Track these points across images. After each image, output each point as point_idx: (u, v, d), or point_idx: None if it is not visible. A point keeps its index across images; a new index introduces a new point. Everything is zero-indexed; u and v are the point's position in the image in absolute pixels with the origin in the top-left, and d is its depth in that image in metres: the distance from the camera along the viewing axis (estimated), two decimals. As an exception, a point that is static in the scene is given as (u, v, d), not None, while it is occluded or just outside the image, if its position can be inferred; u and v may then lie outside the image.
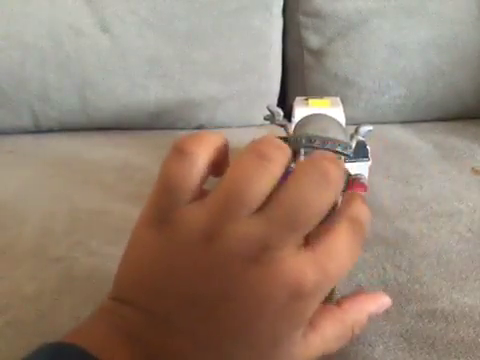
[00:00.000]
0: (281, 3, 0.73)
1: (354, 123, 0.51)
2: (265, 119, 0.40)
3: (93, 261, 0.37)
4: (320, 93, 0.63)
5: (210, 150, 0.23)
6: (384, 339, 0.30)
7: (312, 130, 0.34)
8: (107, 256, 0.37)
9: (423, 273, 0.36)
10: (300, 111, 0.45)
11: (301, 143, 0.33)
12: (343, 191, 0.33)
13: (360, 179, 0.34)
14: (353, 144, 0.35)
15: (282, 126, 0.38)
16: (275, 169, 0.21)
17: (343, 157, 0.33)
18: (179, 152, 0.22)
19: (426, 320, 0.31)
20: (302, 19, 0.73)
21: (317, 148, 0.33)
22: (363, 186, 0.34)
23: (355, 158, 0.41)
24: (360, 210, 0.24)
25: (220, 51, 0.70)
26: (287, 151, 0.22)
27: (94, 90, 0.68)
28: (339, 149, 0.33)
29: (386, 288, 0.34)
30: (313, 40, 0.73)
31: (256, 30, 0.71)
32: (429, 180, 0.51)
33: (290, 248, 0.21)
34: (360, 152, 0.42)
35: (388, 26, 0.70)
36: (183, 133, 0.25)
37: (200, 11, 0.68)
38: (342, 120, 0.49)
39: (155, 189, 0.23)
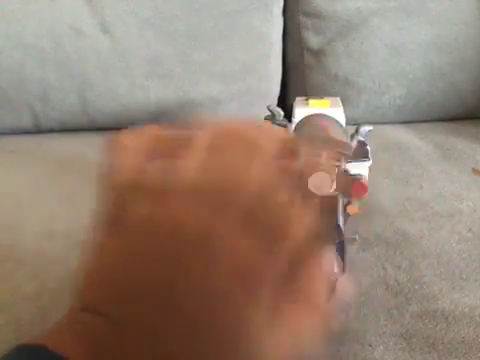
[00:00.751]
0: (281, 3, 0.73)
1: (354, 123, 0.51)
2: (266, 119, 0.40)
3: (93, 261, 0.37)
4: (320, 93, 0.63)
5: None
6: (384, 339, 0.30)
7: (312, 130, 0.34)
8: (107, 256, 0.37)
9: (423, 273, 0.36)
10: (300, 111, 0.45)
11: (302, 144, 0.33)
12: (344, 192, 0.33)
13: (360, 179, 0.33)
14: (353, 144, 0.35)
15: (283, 126, 0.38)
16: (199, 147, 0.22)
17: (343, 157, 0.33)
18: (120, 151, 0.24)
19: (426, 320, 0.31)
20: (302, 19, 0.73)
21: (318, 148, 0.33)
22: (363, 186, 0.33)
23: (355, 159, 0.41)
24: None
25: (220, 51, 0.70)
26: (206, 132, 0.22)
27: (94, 90, 0.68)
28: (340, 149, 0.33)
29: (386, 288, 0.34)
30: (313, 40, 0.73)
31: (256, 30, 0.71)
32: (429, 180, 0.51)
33: (231, 229, 0.21)
34: (360, 152, 0.42)
35: (388, 26, 0.70)
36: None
37: (200, 11, 0.68)
38: (342, 120, 0.49)
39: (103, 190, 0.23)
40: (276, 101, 0.76)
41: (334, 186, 0.30)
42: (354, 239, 0.35)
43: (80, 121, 0.71)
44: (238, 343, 0.21)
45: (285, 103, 0.76)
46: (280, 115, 0.39)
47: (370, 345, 0.29)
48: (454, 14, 0.70)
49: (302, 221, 0.22)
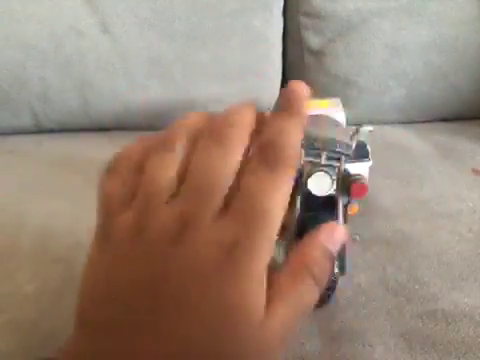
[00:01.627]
0: (281, 3, 0.73)
1: (354, 123, 0.51)
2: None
3: (93, 261, 0.37)
4: (320, 93, 0.63)
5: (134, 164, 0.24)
6: (384, 339, 0.30)
7: (313, 131, 0.34)
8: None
9: (423, 273, 0.36)
10: None
11: (302, 144, 0.33)
12: (343, 192, 0.33)
13: (360, 180, 0.33)
14: (354, 144, 0.35)
15: None
16: (175, 153, 0.23)
17: (344, 157, 0.33)
18: (110, 172, 0.25)
19: (426, 320, 0.31)
20: (302, 19, 0.73)
21: (318, 149, 0.33)
22: (363, 187, 0.33)
23: (356, 159, 0.41)
24: (274, 136, 0.22)
25: (220, 51, 0.70)
26: (181, 134, 0.23)
27: (94, 90, 0.68)
28: (340, 149, 0.33)
29: (386, 288, 0.34)
30: (313, 40, 0.73)
31: (256, 30, 0.71)
32: (429, 180, 0.51)
33: (209, 215, 0.21)
34: (360, 153, 0.42)
35: (388, 26, 0.70)
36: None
37: (200, 11, 0.68)
38: (342, 121, 0.49)
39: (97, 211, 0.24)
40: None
41: (334, 186, 0.30)
42: (354, 239, 0.35)
43: (80, 121, 0.71)
44: (231, 327, 0.21)
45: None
46: None
47: (370, 345, 0.29)
48: (454, 14, 0.70)
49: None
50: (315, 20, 0.71)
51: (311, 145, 0.32)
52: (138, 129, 0.71)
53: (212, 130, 0.22)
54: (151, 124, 0.72)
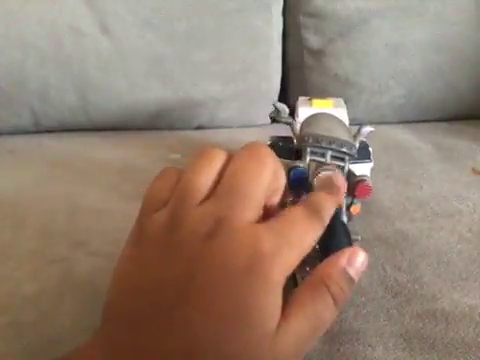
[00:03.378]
0: (281, 3, 0.73)
1: (354, 123, 0.51)
2: (270, 116, 0.39)
3: (93, 261, 0.37)
4: (321, 93, 0.63)
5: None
6: (384, 339, 0.30)
7: (318, 129, 0.34)
8: (107, 256, 0.37)
9: (423, 273, 0.36)
10: (304, 111, 0.45)
11: (308, 142, 0.33)
12: (348, 193, 0.33)
13: (365, 181, 0.33)
14: (357, 145, 0.35)
15: (288, 124, 0.38)
16: (214, 163, 0.25)
17: (348, 157, 0.33)
18: (157, 177, 0.27)
19: (426, 320, 0.31)
20: (302, 19, 0.73)
21: (323, 147, 0.33)
22: (368, 188, 0.33)
23: (358, 159, 0.41)
24: (319, 198, 0.26)
25: (220, 51, 0.70)
26: (222, 153, 0.26)
27: (94, 90, 0.68)
28: (344, 149, 0.33)
29: (386, 288, 0.34)
30: (313, 40, 0.73)
31: (256, 30, 0.71)
32: (429, 180, 0.51)
33: (244, 219, 0.23)
34: (363, 153, 0.42)
35: (388, 26, 0.70)
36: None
37: (200, 11, 0.68)
38: (346, 121, 0.49)
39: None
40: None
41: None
42: (356, 239, 0.35)
43: (80, 121, 0.71)
44: (247, 330, 0.21)
45: (285, 103, 0.76)
46: (285, 112, 0.39)
47: (370, 345, 0.29)
48: (454, 14, 0.70)
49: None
50: (315, 20, 0.71)
51: (316, 145, 0.32)
52: (138, 129, 0.71)
53: (250, 149, 0.25)
54: (151, 124, 0.72)
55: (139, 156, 0.59)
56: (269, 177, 0.25)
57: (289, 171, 0.31)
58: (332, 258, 0.24)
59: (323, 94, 0.60)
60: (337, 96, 0.51)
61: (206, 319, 0.21)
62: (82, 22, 0.66)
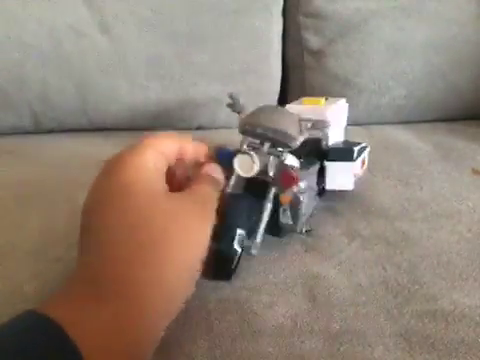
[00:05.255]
0: (281, 3, 0.73)
1: (354, 123, 0.51)
2: (227, 106, 0.41)
3: (93, 261, 0.37)
4: (320, 93, 0.63)
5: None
6: (384, 339, 0.30)
7: (261, 119, 0.35)
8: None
9: (423, 273, 0.36)
10: (289, 108, 0.46)
11: (245, 129, 0.36)
12: (274, 179, 0.35)
13: (289, 170, 0.34)
14: (301, 138, 0.36)
15: (238, 113, 0.40)
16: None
17: (286, 148, 0.35)
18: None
19: (426, 320, 0.31)
20: (302, 20, 0.73)
21: (259, 135, 0.35)
22: (292, 177, 0.34)
23: (338, 159, 0.43)
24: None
25: (220, 51, 0.70)
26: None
27: (94, 91, 0.68)
28: (281, 139, 0.35)
29: (386, 288, 0.34)
30: (313, 41, 0.73)
31: (256, 31, 0.71)
32: (429, 180, 0.51)
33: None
34: (344, 154, 0.43)
35: (388, 26, 0.70)
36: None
37: (200, 11, 0.68)
38: (343, 120, 0.49)
39: None
40: (276, 101, 0.76)
41: (256, 169, 0.33)
42: (309, 231, 0.37)
43: (80, 121, 0.71)
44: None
45: (285, 103, 0.76)
46: (239, 103, 0.40)
47: (370, 345, 0.29)
48: (454, 14, 0.70)
49: None
50: (315, 20, 0.71)
51: (253, 131, 0.35)
52: (138, 129, 0.71)
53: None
54: (151, 124, 0.72)
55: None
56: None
57: (217, 151, 0.36)
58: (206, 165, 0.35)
59: (322, 94, 0.60)
60: (336, 96, 0.51)
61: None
62: (82, 22, 0.66)
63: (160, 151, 0.31)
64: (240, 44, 0.70)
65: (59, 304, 0.25)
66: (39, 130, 0.71)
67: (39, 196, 0.49)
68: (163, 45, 0.68)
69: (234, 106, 0.40)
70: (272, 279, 0.35)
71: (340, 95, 0.54)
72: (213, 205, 0.32)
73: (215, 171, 0.35)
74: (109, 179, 0.29)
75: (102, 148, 0.64)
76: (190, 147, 0.34)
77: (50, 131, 0.71)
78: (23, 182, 0.53)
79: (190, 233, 0.28)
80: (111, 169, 0.30)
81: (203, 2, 0.68)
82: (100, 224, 0.27)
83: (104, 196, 0.28)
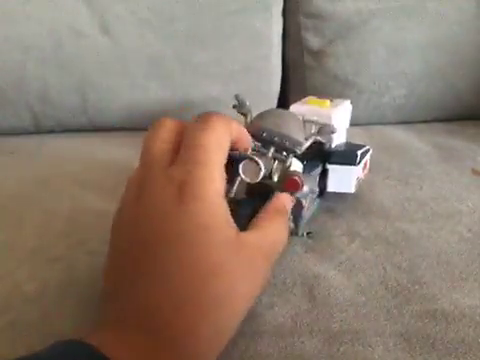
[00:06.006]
0: (281, 4, 0.73)
1: (354, 123, 0.51)
2: (233, 107, 0.41)
3: (93, 261, 0.37)
4: (320, 94, 0.63)
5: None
6: (384, 339, 0.30)
7: (267, 123, 0.35)
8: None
9: (423, 273, 0.36)
10: (294, 107, 0.45)
11: (250, 133, 0.35)
12: (278, 185, 0.35)
13: (293, 176, 0.34)
14: (307, 144, 0.36)
15: (243, 115, 0.40)
16: (165, 131, 0.32)
17: (291, 153, 0.35)
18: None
19: (426, 320, 0.31)
20: (302, 20, 0.73)
21: (264, 139, 0.35)
22: (296, 183, 0.34)
23: (341, 162, 0.42)
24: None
25: (220, 52, 0.70)
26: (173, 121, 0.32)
27: (94, 90, 0.68)
28: (287, 144, 0.34)
29: (386, 288, 0.34)
30: (313, 41, 0.73)
31: (256, 31, 0.71)
32: (429, 181, 0.51)
33: (203, 186, 0.27)
34: (347, 157, 0.43)
35: (388, 27, 0.70)
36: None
37: (200, 11, 0.68)
38: (345, 122, 0.49)
39: None
40: (276, 101, 0.76)
41: (261, 176, 0.32)
42: (310, 233, 0.38)
43: (80, 121, 0.71)
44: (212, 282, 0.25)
45: (286, 103, 0.76)
46: (245, 104, 0.40)
47: (370, 345, 0.29)
48: (454, 14, 0.70)
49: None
50: (315, 20, 0.71)
51: (260, 135, 0.35)
52: (138, 129, 0.71)
53: (203, 117, 0.30)
54: (151, 124, 0.72)
55: (139, 156, 0.59)
56: (219, 141, 0.28)
57: None
58: (280, 195, 0.34)
59: (323, 94, 0.60)
60: (336, 97, 0.51)
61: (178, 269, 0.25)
62: (82, 22, 0.66)
63: (226, 151, 0.29)
64: (240, 44, 0.70)
65: (116, 346, 0.23)
66: (39, 130, 0.71)
67: (39, 196, 0.49)
68: (163, 45, 0.68)
69: (240, 107, 0.40)
70: (272, 279, 0.35)
71: (340, 95, 0.54)
72: (279, 253, 0.31)
73: (288, 203, 0.34)
74: (179, 209, 0.26)
75: (102, 148, 0.64)
76: (246, 138, 0.32)
77: (50, 131, 0.71)
78: (23, 182, 0.53)
79: (254, 289, 0.28)
80: (182, 196, 0.26)
81: (203, 2, 0.68)
82: (170, 267, 0.25)
83: (174, 232, 0.25)
